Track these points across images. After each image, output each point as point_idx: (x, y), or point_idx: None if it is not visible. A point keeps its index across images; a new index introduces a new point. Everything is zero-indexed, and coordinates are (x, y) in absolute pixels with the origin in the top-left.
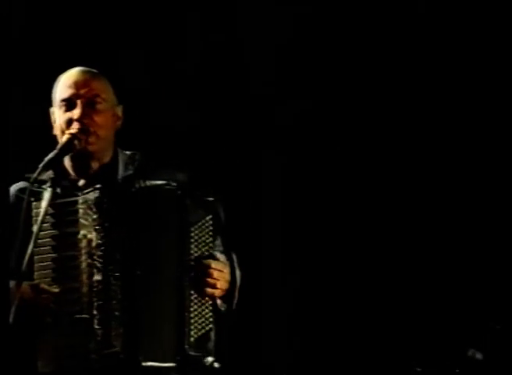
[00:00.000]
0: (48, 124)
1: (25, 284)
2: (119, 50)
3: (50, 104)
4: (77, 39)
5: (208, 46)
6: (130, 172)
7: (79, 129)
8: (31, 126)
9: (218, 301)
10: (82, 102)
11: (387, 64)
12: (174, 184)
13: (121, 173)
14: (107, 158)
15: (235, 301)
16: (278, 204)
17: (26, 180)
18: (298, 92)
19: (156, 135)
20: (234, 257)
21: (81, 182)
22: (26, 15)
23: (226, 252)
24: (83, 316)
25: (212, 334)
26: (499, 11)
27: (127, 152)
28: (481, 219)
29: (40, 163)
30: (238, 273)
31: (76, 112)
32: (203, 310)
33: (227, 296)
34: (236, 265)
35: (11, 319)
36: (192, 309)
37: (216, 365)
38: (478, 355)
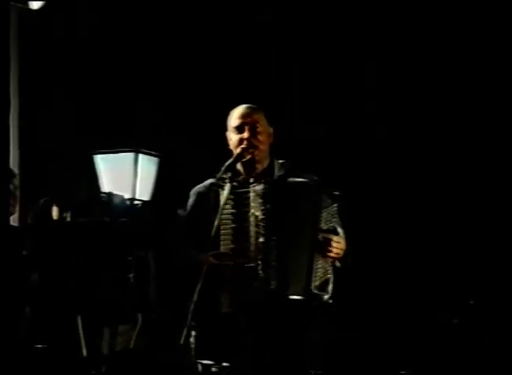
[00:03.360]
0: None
1: (209, 256)
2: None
3: None
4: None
5: None
6: (282, 173)
7: (247, 145)
8: None
9: (337, 263)
10: (248, 128)
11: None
12: (312, 181)
13: (276, 174)
14: (266, 164)
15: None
16: None
17: (214, 178)
18: None
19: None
20: None
21: (251, 179)
22: None
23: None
24: (251, 265)
25: (330, 282)
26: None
27: (280, 161)
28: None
29: (221, 167)
30: None
31: (245, 135)
32: (325, 265)
33: (342, 259)
34: None
35: (201, 280)
36: (317, 263)
37: (330, 301)
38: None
